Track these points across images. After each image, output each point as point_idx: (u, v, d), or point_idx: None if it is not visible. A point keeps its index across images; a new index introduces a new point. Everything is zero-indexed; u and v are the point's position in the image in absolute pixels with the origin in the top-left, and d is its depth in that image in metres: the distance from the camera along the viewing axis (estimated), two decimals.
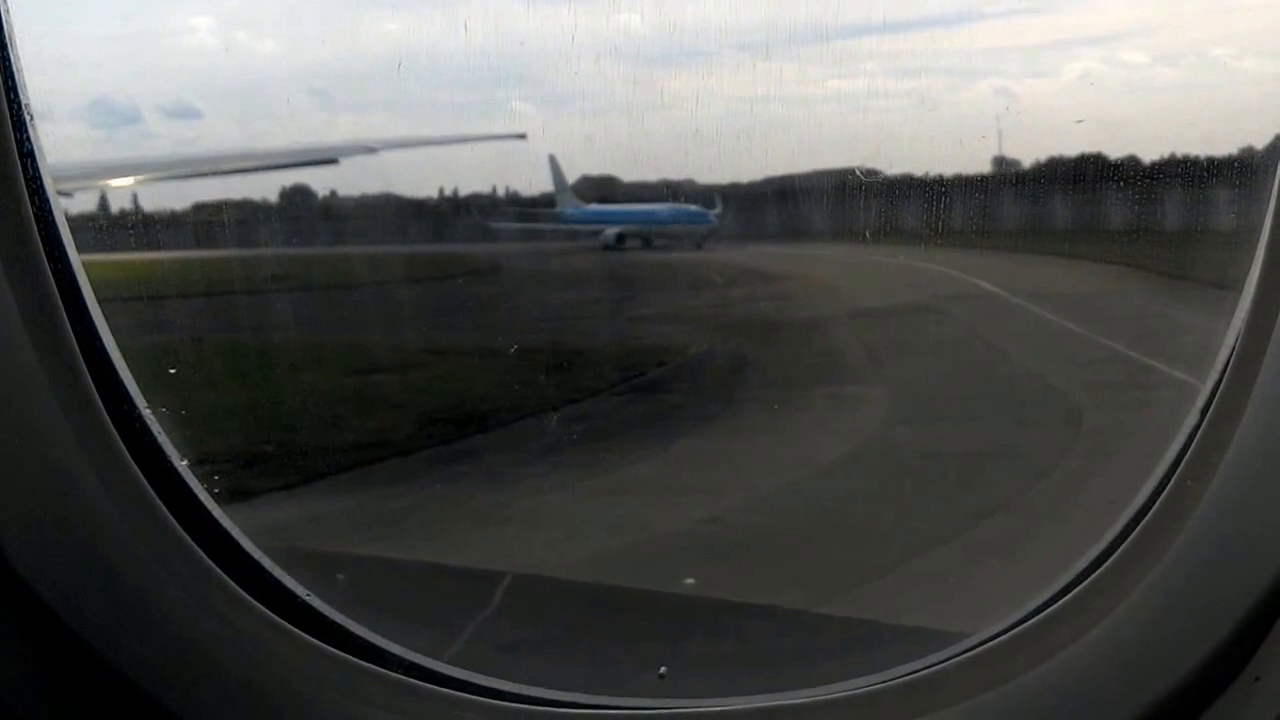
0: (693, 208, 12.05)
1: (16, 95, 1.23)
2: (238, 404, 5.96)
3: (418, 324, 9.23)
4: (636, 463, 4.97)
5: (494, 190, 12.14)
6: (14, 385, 1.22)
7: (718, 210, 11.63)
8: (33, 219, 1.23)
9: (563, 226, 12.90)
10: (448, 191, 11.36)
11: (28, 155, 1.23)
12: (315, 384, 6.68)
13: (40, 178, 1.25)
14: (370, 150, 7.29)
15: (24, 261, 1.22)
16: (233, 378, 6.66)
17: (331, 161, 7.69)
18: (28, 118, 1.25)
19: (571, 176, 12.26)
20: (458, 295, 10.55)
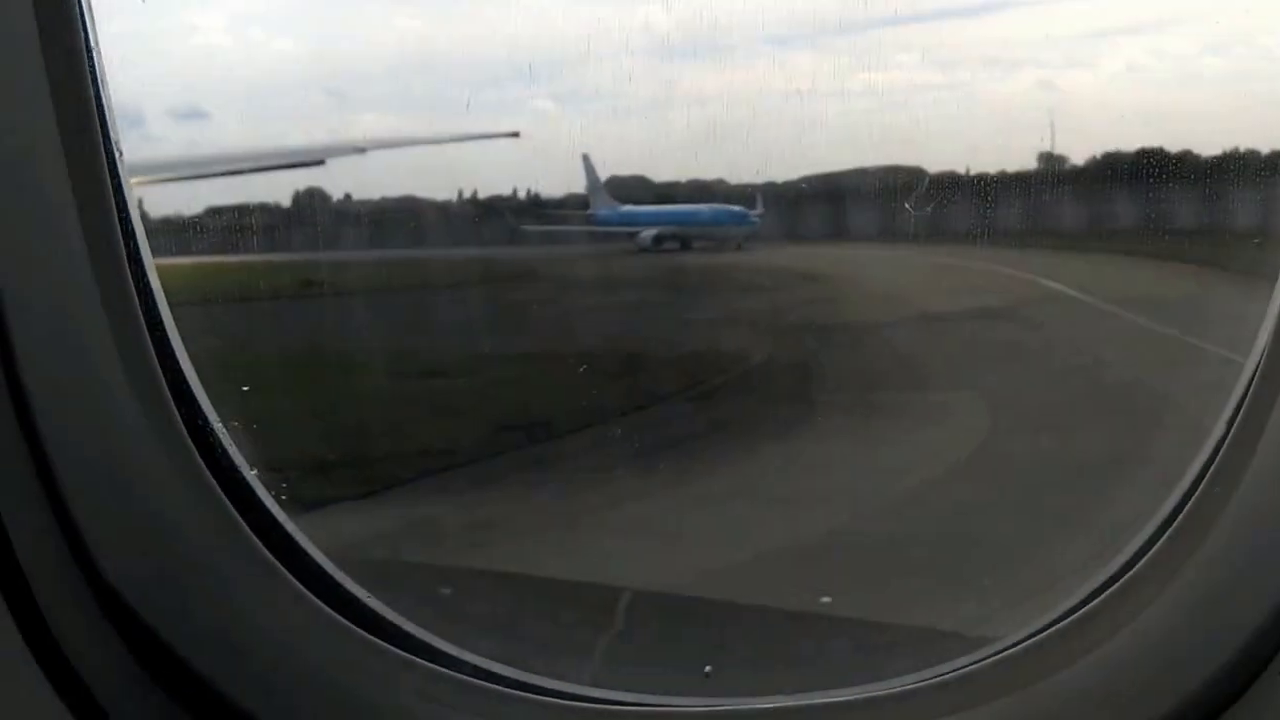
0: (735, 208, 11.82)
1: (104, 110, 1.27)
2: (297, 410, 5.78)
3: (462, 329, 9.04)
4: (729, 470, 4.74)
5: (515, 192, 11.97)
6: (98, 389, 1.27)
7: (759, 210, 11.41)
8: (118, 226, 1.28)
9: (597, 228, 12.69)
10: (467, 194, 11.18)
11: (115, 175, 1.29)
12: (373, 389, 6.50)
13: (123, 187, 1.31)
14: (359, 151, 7.21)
15: (111, 267, 1.26)
16: (286, 383, 6.49)
17: (319, 163, 7.59)
18: (116, 138, 1.30)
19: (584, 178, 12.04)
20: (498, 299, 10.34)
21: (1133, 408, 4.97)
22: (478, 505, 4.70)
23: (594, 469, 4.85)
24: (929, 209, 5.10)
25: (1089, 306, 7.35)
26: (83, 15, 1.26)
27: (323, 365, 7.01)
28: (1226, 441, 1.28)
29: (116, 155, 1.30)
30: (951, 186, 5.97)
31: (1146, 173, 5.64)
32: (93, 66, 1.27)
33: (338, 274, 9.42)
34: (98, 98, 1.27)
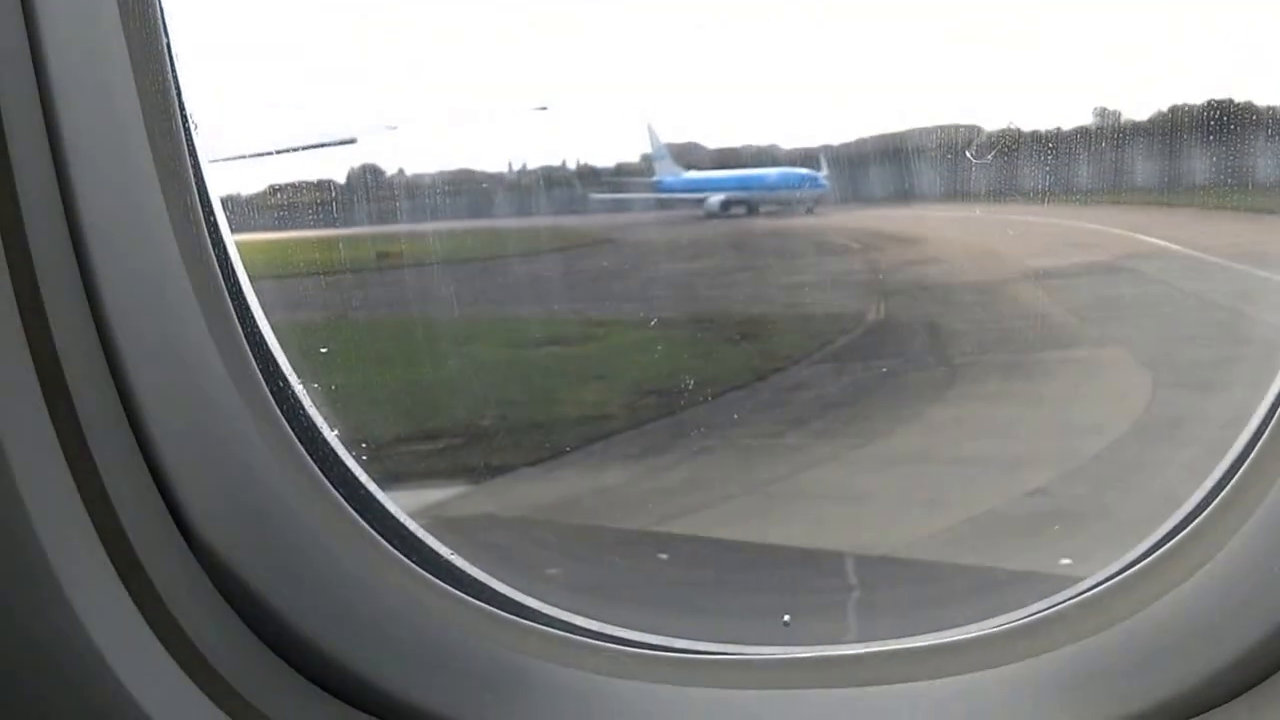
0: (803, 170, 11.68)
1: (180, 92, 1.34)
2: (430, 380, 5.82)
3: (557, 297, 9.03)
4: (897, 433, 4.74)
5: (564, 162, 11.87)
6: (191, 360, 1.33)
7: (825, 173, 11.26)
8: (199, 205, 1.34)
9: (664, 195, 12.58)
10: (515, 165, 11.08)
11: (193, 154, 1.36)
12: (494, 358, 6.53)
13: (200, 166, 1.38)
14: (391, 128, 7.18)
15: (195, 242, 1.33)
16: (405, 354, 6.52)
17: (350, 141, 7.59)
18: (190, 118, 1.37)
19: (648, 145, 11.90)
20: (582, 267, 10.31)
21: None
22: (656, 472, 4.74)
23: (759, 434, 4.86)
24: (993, 167, 5.03)
25: (1202, 261, 7.21)
26: (159, 9, 1.31)
27: (434, 336, 7.04)
28: None
29: (194, 133, 1.37)
30: (1012, 144, 5.86)
31: (1216, 125, 5.51)
32: (169, 51, 1.32)
33: (410, 245, 9.41)
34: (175, 80, 1.32)
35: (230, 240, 1.42)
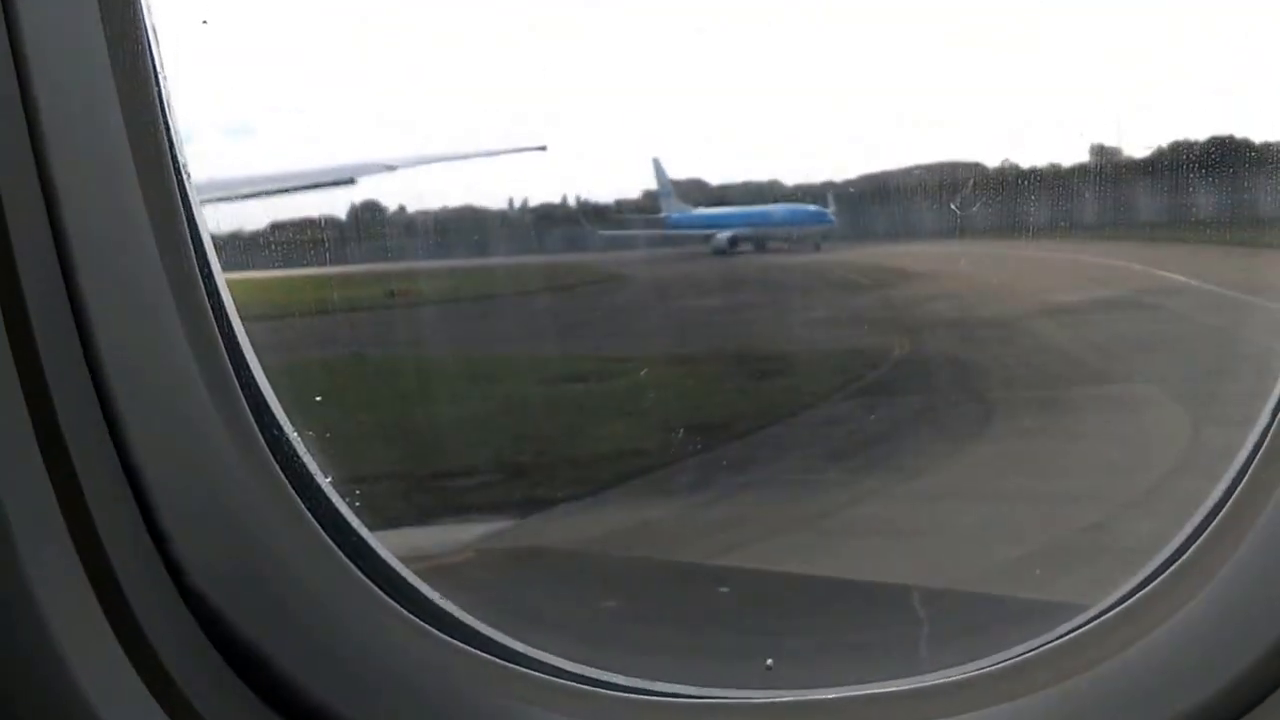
0: (812, 207, 11.77)
1: (171, 132, 1.33)
2: (459, 416, 5.79)
3: (574, 334, 9.01)
4: (940, 467, 4.71)
5: (564, 199, 11.92)
6: (181, 400, 1.32)
7: (831, 209, 11.35)
8: (189, 241, 1.33)
9: (673, 232, 12.65)
10: (516, 203, 11.11)
11: (184, 194, 1.35)
12: (520, 395, 6.51)
13: (190, 202, 1.37)
14: (389, 168, 7.25)
15: (185, 282, 1.32)
16: (431, 391, 6.50)
17: (349, 182, 7.65)
18: (183, 160, 1.36)
19: (654, 182, 12.00)
20: (595, 304, 10.31)
21: None
22: (702, 507, 4.69)
23: (797, 469, 4.83)
24: (996, 204, 5.08)
25: (1221, 295, 7.25)
26: (149, 41, 1.33)
27: (459, 374, 7.01)
28: (1274, 425, 1.33)
29: (185, 175, 1.37)
30: (1013, 181, 5.92)
31: (1220, 160, 5.56)
32: (159, 90, 1.33)
33: (419, 283, 9.42)
34: (165, 121, 1.33)
35: (223, 284, 1.44)
